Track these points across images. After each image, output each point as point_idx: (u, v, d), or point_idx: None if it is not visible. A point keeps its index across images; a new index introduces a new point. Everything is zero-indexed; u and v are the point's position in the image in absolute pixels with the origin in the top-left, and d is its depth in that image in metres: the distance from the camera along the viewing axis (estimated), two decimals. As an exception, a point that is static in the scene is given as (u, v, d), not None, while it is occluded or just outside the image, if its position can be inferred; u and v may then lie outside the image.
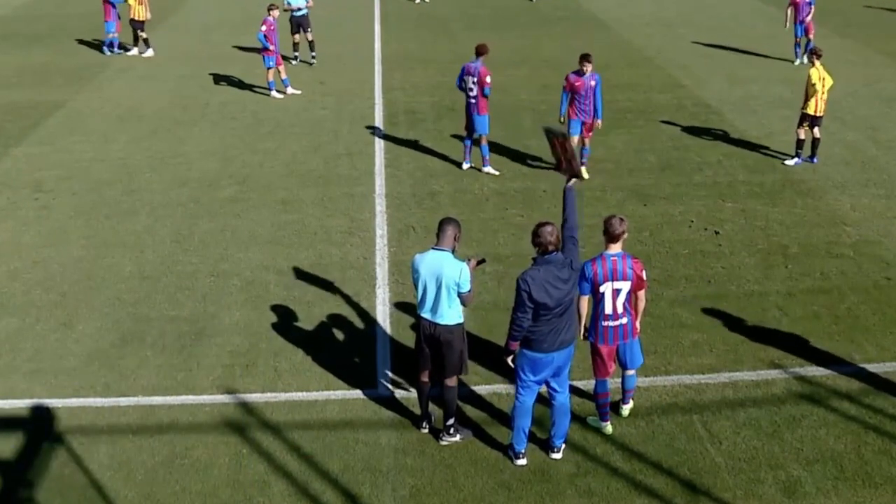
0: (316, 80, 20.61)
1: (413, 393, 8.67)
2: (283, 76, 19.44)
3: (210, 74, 21.30)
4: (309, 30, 22.00)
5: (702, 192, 13.98)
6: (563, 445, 7.99)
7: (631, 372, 8.32)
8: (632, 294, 7.95)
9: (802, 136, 14.98)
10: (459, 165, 14.96)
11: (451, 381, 8.07)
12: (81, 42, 25.03)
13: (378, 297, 10.81)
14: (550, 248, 7.37)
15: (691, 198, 13.74)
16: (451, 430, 8.15)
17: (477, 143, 14.72)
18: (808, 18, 21.56)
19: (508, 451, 7.97)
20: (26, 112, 18.39)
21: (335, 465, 7.92)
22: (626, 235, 7.97)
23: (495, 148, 15.29)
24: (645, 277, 8.00)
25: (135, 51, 23.55)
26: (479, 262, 8.07)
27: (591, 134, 14.36)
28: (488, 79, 14.01)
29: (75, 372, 9.34)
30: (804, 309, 10.50)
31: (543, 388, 7.86)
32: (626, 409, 8.51)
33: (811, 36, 21.59)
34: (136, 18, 22.97)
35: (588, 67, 13.76)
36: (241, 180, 14.60)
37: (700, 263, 11.62)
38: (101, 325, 10.24)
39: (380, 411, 8.66)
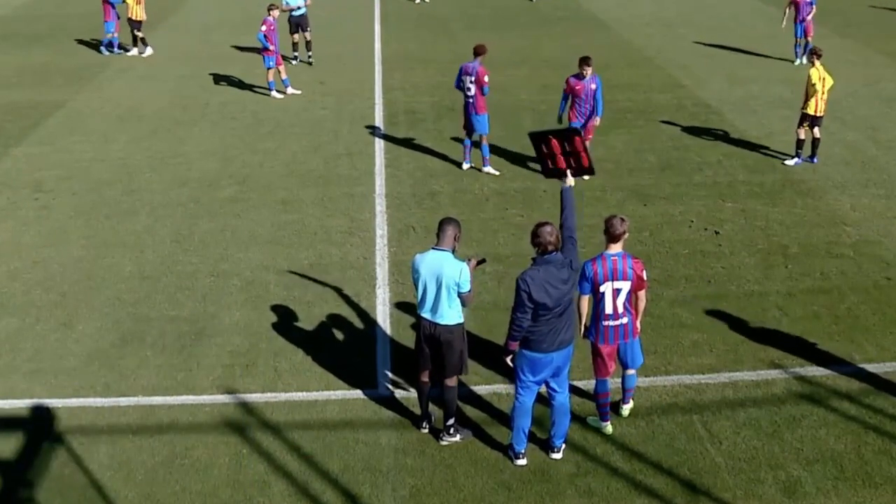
0: (316, 80, 20.61)
1: (413, 393, 8.67)
2: (284, 76, 19.45)
3: (210, 74, 21.30)
4: (308, 30, 22.00)
5: (702, 192, 13.98)
6: (563, 445, 7.99)
7: (631, 371, 8.32)
8: (632, 294, 7.95)
9: (802, 136, 14.98)
10: (459, 165, 14.96)
11: (451, 381, 8.07)
12: (81, 42, 25.03)
13: (378, 297, 10.81)
14: (550, 248, 7.37)
15: (691, 198, 13.74)
16: (451, 430, 8.15)
17: (477, 142, 14.72)
18: (809, 18, 21.55)
19: (508, 452, 7.97)
20: (26, 112, 18.39)
21: (335, 465, 7.92)
22: (626, 235, 7.97)
23: (495, 148, 15.29)
24: (645, 277, 8.00)
25: (134, 51, 23.55)
26: (479, 262, 8.07)
27: (591, 136, 14.35)
28: (486, 78, 14.02)
29: (75, 372, 9.35)
30: (804, 309, 10.50)
31: (543, 388, 7.87)
32: (626, 408, 8.52)
33: (810, 37, 21.58)
34: (134, 18, 22.97)
35: (588, 71, 13.75)
36: (241, 180, 14.60)
37: (700, 263, 11.62)
38: (101, 325, 10.24)
39: (380, 411, 8.66)
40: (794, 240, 12.28)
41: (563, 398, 7.82)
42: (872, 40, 24.30)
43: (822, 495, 7.52)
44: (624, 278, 7.84)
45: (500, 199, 13.68)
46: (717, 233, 12.50)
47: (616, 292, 7.85)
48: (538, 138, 8.40)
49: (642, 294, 8.09)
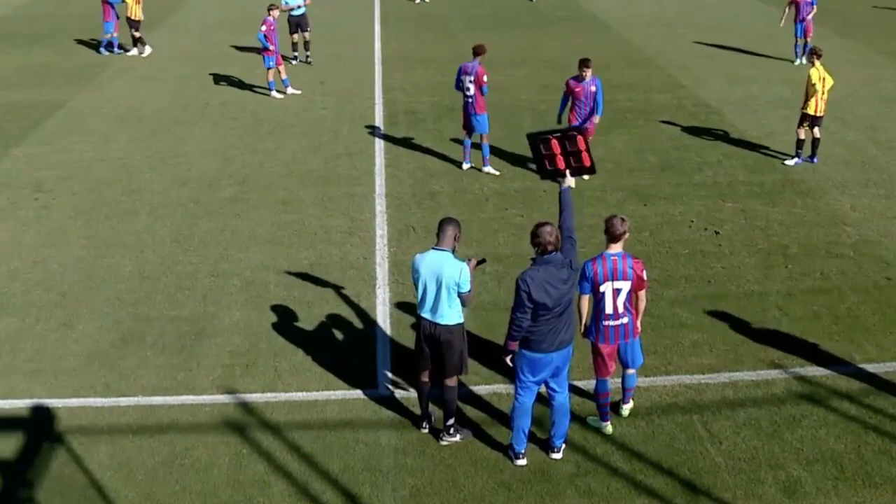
0: (316, 80, 20.61)
1: (413, 393, 8.67)
2: (284, 76, 19.45)
3: (210, 74, 21.30)
4: (308, 30, 22.02)
5: (702, 192, 13.98)
6: (563, 445, 7.99)
7: (631, 371, 8.32)
8: (632, 294, 7.96)
9: (802, 136, 14.98)
10: (459, 165, 14.96)
11: (451, 381, 8.07)
12: (81, 42, 25.03)
13: (378, 297, 10.81)
14: (550, 248, 7.37)
15: (691, 198, 13.74)
16: (451, 430, 8.15)
17: (478, 142, 14.72)
18: (809, 18, 21.54)
19: (508, 452, 7.97)
20: (26, 112, 18.39)
21: (335, 465, 7.92)
22: (627, 235, 7.97)
23: (495, 148, 15.29)
24: (645, 277, 8.00)
25: (134, 51, 23.55)
26: (479, 262, 8.08)
27: (591, 136, 14.32)
28: (485, 78, 14.03)
29: (75, 372, 9.35)
30: (804, 309, 10.50)
31: (543, 389, 7.87)
32: (626, 408, 8.52)
33: (810, 36, 21.58)
34: (133, 18, 22.97)
35: (587, 73, 13.71)
36: (241, 180, 14.60)
37: (700, 263, 11.62)
38: (101, 325, 10.24)
39: (380, 411, 8.66)
40: (794, 240, 12.28)
41: (562, 398, 7.82)
42: (872, 40, 24.30)
43: (822, 495, 7.52)
44: (624, 278, 7.84)
45: (500, 199, 13.69)
46: (717, 233, 12.50)
47: (616, 292, 7.85)
48: (537, 139, 8.39)
49: (642, 294, 8.09)
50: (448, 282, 7.69)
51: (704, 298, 10.73)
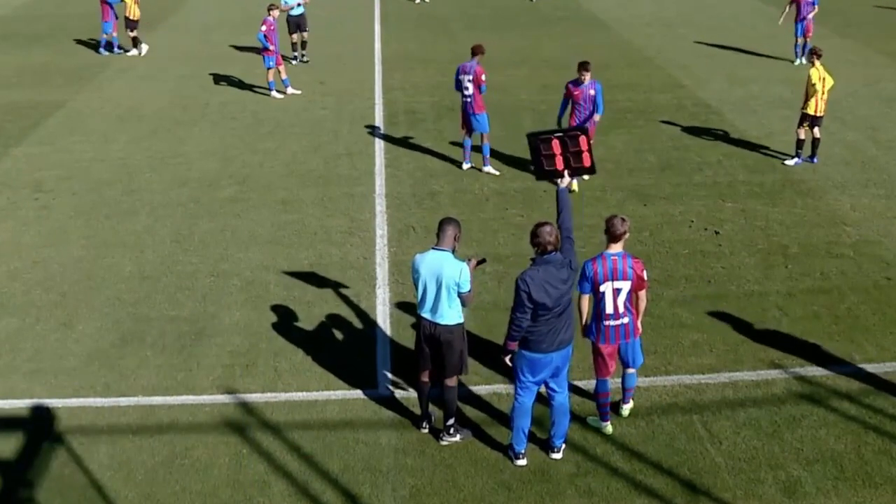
0: (316, 80, 20.61)
1: (413, 393, 8.67)
2: (284, 76, 19.45)
3: (210, 74, 21.31)
4: (306, 30, 22.04)
5: (702, 192, 13.98)
6: (563, 445, 7.99)
7: (631, 371, 8.32)
8: (632, 294, 7.96)
9: (802, 136, 14.98)
10: (459, 165, 14.96)
11: (451, 381, 8.07)
12: (81, 42, 25.03)
13: (378, 297, 10.81)
14: (549, 248, 7.37)
15: (691, 198, 13.74)
16: (451, 430, 8.15)
17: (478, 146, 14.72)
18: (810, 17, 21.54)
19: (508, 452, 7.97)
20: (26, 112, 18.39)
21: (335, 465, 7.92)
22: (627, 235, 7.97)
23: (495, 148, 15.28)
24: (646, 277, 8.00)
25: (134, 51, 23.54)
26: (480, 262, 8.08)
27: (592, 136, 14.29)
28: (484, 77, 14.06)
29: (75, 372, 9.34)
30: (804, 309, 10.50)
31: (543, 389, 7.86)
32: (626, 408, 8.51)
33: (810, 36, 21.58)
34: (131, 17, 22.97)
35: (586, 76, 13.64)
36: (241, 180, 14.60)
37: (700, 263, 11.62)
38: (101, 325, 10.24)
39: (380, 411, 8.66)
40: (794, 240, 12.28)
41: (562, 398, 7.82)
42: (872, 40, 24.30)
43: (822, 495, 7.52)
44: (624, 278, 7.84)
45: (500, 199, 13.69)
46: (717, 233, 12.50)
47: (616, 292, 7.85)
48: (538, 138, 8.39)
49: (643, 294, 8.09)
50: (448, 282, 7.69)
51: (704, 298, 10.73)
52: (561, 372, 7.73)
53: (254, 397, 8.90)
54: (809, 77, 14.66)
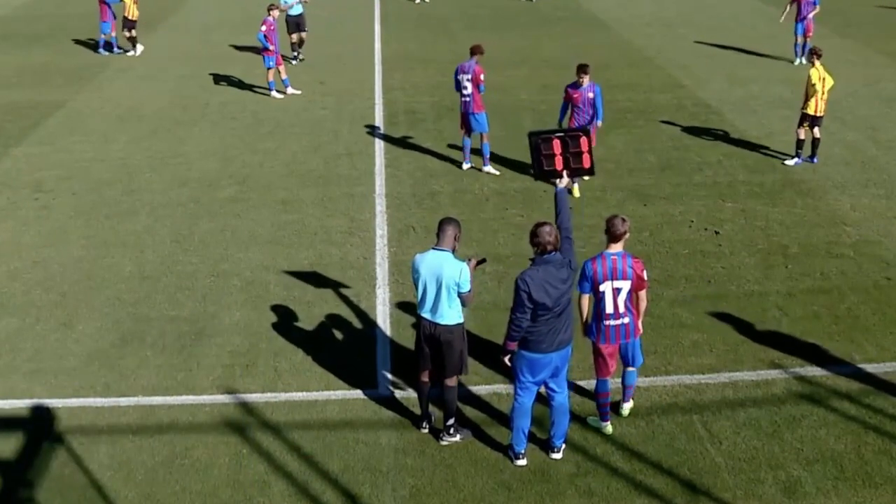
0: (316, 80, 20.61)
1: (413, 393, 8.67)
2: (284, 76, 19.45)
3: (210, 74, 21.31)
4: (305, 30, 22.06)
5: (702, 192, 13.98)
6: (563, 445, 7.99)
7: (632, 368, 8.32)
8: (632, 293, 7.96)
9: (802, 136, 14.98)
10: (459, 165, 14.96)
11: (451, 381, 8.07)
12: (81, 42, 25.03)
13: (378, 297, 10.81)
14: (549, 248, 7.37)
15: (691, 198, 13.74)
16: (451, 430, 8.15)
17: (478, 149, 14.71)
18: (811, 17, 21.53)
19: (508, 452, 7.97)
20: (26, 112, 18.39)
21: (335, 465, 7.92)
22: (627, 235, 7.98)
23: (495, 148, 15.27)
24: (646, 277, 8.00)
25: (131, 52, 23.52)
26: (480, 262, 8.07)
27: (594, 143, 14.20)
28: (483, 76, 14.06)
29: (75, 372, 9.34)
30: (804, 309, 10.49)
31: (542, 389, 7.86)
32: (626, 407, 8.51)
33: (810, 36, 21.58)
34: (130, 18, 22.97)
35: (585, 79, 13.59)
36: (241, 180, 14.60)
37: (700, 263, 11.62)
38: (101, 325, 10.24)
39: (380, 411, 8.66)
40: (794, 240, 12.28)
41: (562, 398, 7.81)
42: (872, 40, 24.31)
43: (822, 495, 7.52)
44: (624, 277, 7.84)
45: (500, 199, 13.68)
46: (717, 233, 12.50)
47: (616, 291, 7.85)
48: (539, 137, 8.39)
49: (643, 294, 8.10)
50: (448, 282, 7.69)
51: (704, 298, 10.73)
52: (560, 372, 7.73)
53: (254, 397, 8.90)
54: (809, 77, 14.66)
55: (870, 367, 9.30)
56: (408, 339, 9.58)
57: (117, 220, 13.08)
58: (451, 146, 15.87)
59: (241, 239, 12.42)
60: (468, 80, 14.11)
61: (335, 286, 11.06)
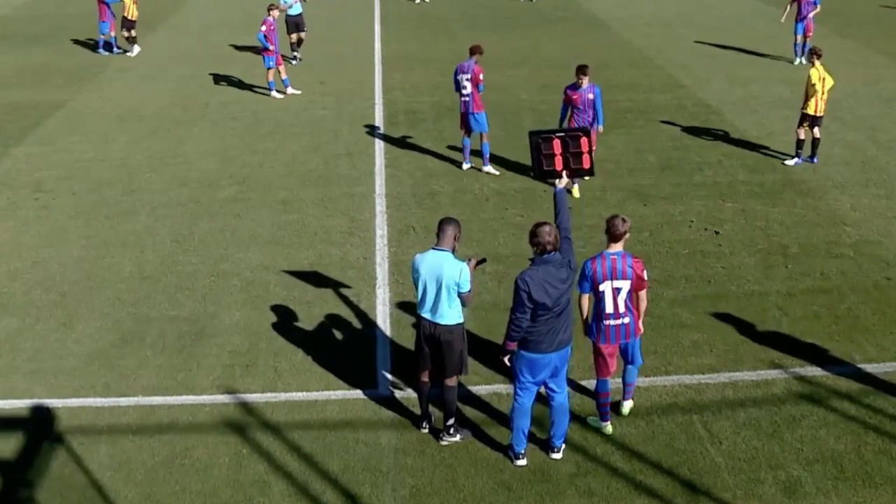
0: (316, 80, 20.61)
1: (413, 393, 8.67)
2: (284, 76, 19.45)
3: (210, 74, 21.31)
4: (304, 30, 22.06)
5: (702, 192, 13.98)
6: (563, 445, 7.99)
7: (632, 366, 8.32)
8: (633, 293, 7.96)
9: (802, 136, 14.98)
10: (459, 165, 14.96)
11: (451, 381, 8.07)
12: (81, 42, 25.02)
13: (378, 297, 10.81)
14: (549, 248, 7.38)
15: (691, 198, 13.74)
16: (451, 430, 8.15)
17: (478, 151, 14.71)
18: (811, 17, 21.53)
19: (508, 452, 7.97)
20: (26, 112, 18.39)
21: (335, 465, 7.92)
22: (628, 235, 7.98)
23: (495, 148, 15.27)
24: (646, 277, 8.00)
25: (130, 52, 23.53)
26: (480, 262, 8.07)
27: (595, 146, 14.16)
28: (482, 76, 14.07)
29: (75, 372, 9.34)
30: (804, 309, 10.50)
31: (542, 389, 7.86)
32: (626, 405, 8.51)
33: (810, 35, 21.59)
34: (129, 17, 22.97)
35: (584, 80, 13.54)
36: (241, 180, 14.60)
37: (700, 263, 11.62)
38: (101, 325, 10.24)
39: (380, 411, 8.66)
40: (794, 240, 12.28)
41: (562, 398, 7.81)
42: (872, 40, 24.31)
43: (822, 495, 7.52)
44: (623, 277, 7.84)
45: (500, 199, 13.68)
46: (717, 233, 12.50)
47: (616, 291, 7.86)
48: (539, 137, 8.39)
49: (643, 294, 8.10)
50: (448, 282, 7.69)
51: (704, 298, 10.73)
52: (560, 372, 7.73)
53: (254, 397, 8.89)
54: (809, 77, 14.66)
55: (870, 367, 9.30)
56: (408, 339, 9.58)
57: (117, 220, 13.08)
58: (451, 146, 15.86)
59: (241, 239, 12.42)
60: (467, 79, 14.12)
61: (335, 286, 11.06)
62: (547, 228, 7.37)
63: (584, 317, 8.16)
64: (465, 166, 14.89)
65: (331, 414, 8.64)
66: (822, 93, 14.65)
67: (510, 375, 7.97)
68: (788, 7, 22.29)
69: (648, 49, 23.62)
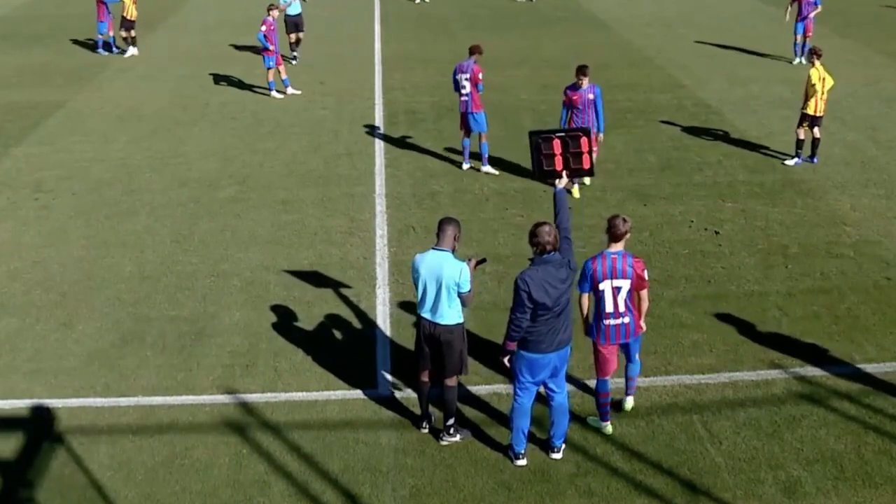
0: (316, 80, 20.61)
1: (413, 393, 8.67)
2: (284, 76, 19.45)
3: (210, 74, 21.31)
4: (302, 30, 22.07)
5: (702, 192, 13.98)
6: (563, 445, 7.99)
7: (633, 363, 8.32)
8: (633, 293, 7.96)
9: (802, 136, 14.98)
10: (459, 165, 14.96)
11: (451, 381, 8.07)
12: (81, 42, 25.03)
13: (378, 297, 10.81)
14: (548, 248, 7.38)
15: (691, 198, 13.74)
16: (451, 430, 8.15)
17: (477, 153, 14.71)
18: (811, 16, 21.53)
19: (508, 452, 7.97)
20: (26, 112, 18.39)
21: (335, 465, 7.92)
22: (628, 235, 7.98)
23: (495, 148, 15.27)
24: (646, 277, 8.00)
25: (127, 52, 23.53)
26: (480, 262, 8.07)
27: (596, 150, 14.12)
28: (481, 75, 14.08)
29: (75, 372, 9.34)
30: (804, 309, 10.49)
31: (542, 389, 7.86)
32: (629, 400, 8.51)
33: (809, 35, 21.58)
34: (128, 17, 22.97)
35: (584, 81, 13.48)
36: (241, 180, 14.60)
37: (700, 263, 11.62)
38: (101, 325, 10.24)
39: (380, 411, 8.66)
40: (794, 240, 12.28)
41: (561, 398, 7.81)
42: (872, 40, 24.31)
43: (822, 495, 7.52)
44: (623, 276, 7.84)
45: (500, 199, 13.68)
46: (717, 233, 12.50)
47: (616, 290, 7.86)
48: (539, 137, 8.39)
49: (644, 294, 8.10)
50: (448, 282, 7.69)
51: (704, 298, 10.73)
52: (560, 372, 7.73)
53: (254, 397, 8.90)
54: (809, 77, 14.66)
55: (870, 367, 9.30)
56: (408, 339, 9.58)
57: (117, 220, 13.08)
58: (450, 146, 15.86)
59: (241, 239, 12.42)
60: (467, 79, 14.12)
61: (335, 286, 11.06)
62: (547, 228, 7.37)
63: (585, 316, 8.16)
64: (465, 166, 14.88)
65: (331, 414, 8.64)
66: (822, 93, 14.65)
67: (510, 375, 7.97)
68: (790, 7, 22.28)
69: (648, 49, 23.62)
